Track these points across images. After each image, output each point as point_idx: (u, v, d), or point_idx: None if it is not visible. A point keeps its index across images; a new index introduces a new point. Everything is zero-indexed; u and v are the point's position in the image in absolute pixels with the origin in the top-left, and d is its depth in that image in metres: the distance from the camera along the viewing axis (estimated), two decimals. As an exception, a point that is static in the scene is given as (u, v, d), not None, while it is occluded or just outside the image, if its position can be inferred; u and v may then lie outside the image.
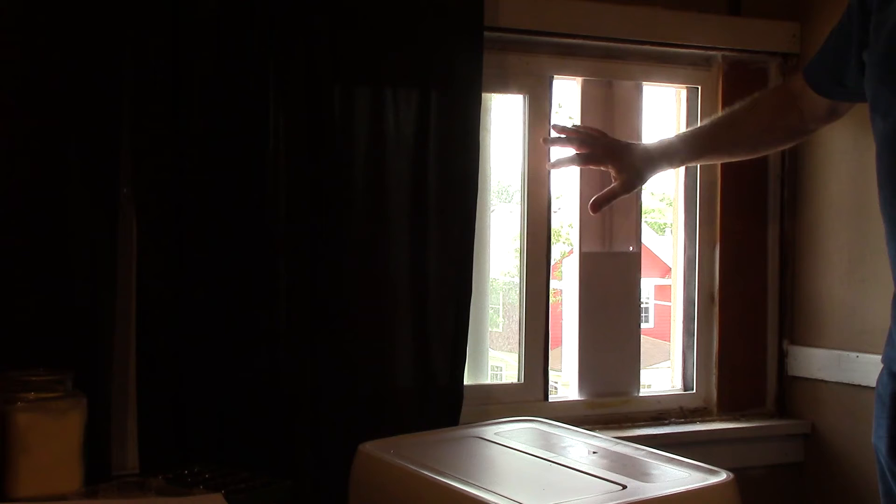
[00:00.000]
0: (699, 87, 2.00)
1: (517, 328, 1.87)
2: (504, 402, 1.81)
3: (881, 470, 1.30)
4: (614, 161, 1.72)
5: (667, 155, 1.72)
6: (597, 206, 1.75)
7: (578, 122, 1.90)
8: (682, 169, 2.01)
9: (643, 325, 1.98)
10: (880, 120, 1.29)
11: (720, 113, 1.72)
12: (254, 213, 1.54)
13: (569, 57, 1.88)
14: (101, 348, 1.47)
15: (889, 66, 1.27)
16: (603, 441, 1.49)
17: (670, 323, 2.06)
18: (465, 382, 1.70)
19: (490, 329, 1.86)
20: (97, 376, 1.45)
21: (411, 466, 1.31)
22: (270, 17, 1.53)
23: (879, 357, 1.33)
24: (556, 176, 1.87)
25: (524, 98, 1.85)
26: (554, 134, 1.81)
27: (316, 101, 1.57)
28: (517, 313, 1.87)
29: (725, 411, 2.00)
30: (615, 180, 1.73)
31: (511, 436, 1.50)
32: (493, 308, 1.94)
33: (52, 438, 1.29)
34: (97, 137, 1.46)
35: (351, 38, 1.60)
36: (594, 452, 1.42)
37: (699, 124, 1.71)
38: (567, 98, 1.96)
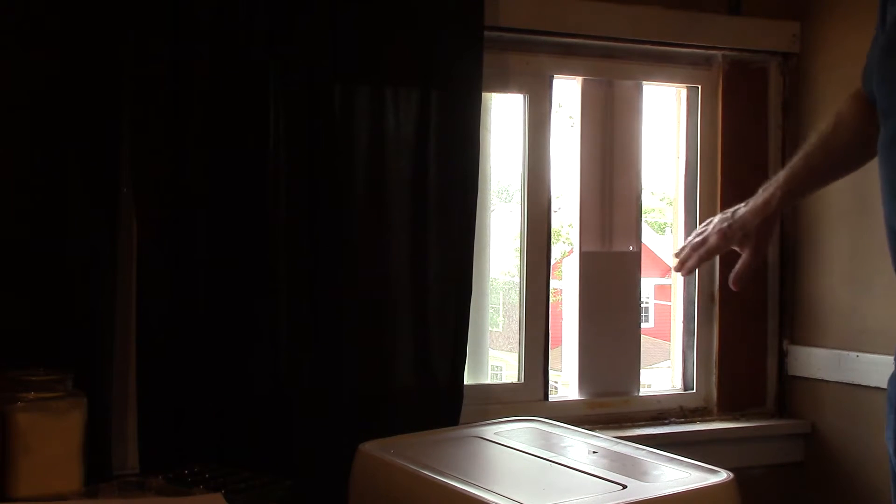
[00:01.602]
0: (699, 87, 2.00)
1: (517, 328, 1.87)
2: (504, 402, 1.81)
3: (893, 470, 1.29)
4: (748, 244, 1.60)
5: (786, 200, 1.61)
6: (739, 283, 1.59)
7: (579, 126, 1.90)
8: (682, 168, 2.02)
9: (643, 325, 1.98)
10: (883, 119, 1.28)
11: (811, 140, 1.60)
12: (253, 212, 1.54)
13: (569, 56, 1.88)
14: (101, 348, 1.47)
15: (889, 65, 1.26)
16: (603, 441, 1.48)
17: (670, 322, 2.06)
18: (466, 382, 1.71)
19: (490, 329, 1.86)
20: (97, 376, 1.45)
21: (411, 466, 1.31)
22: (270, 16, 1.53)
23: (879, 357, 1.33)
24: (555, 175, 1.87)
25: (524, 97, 1.85)
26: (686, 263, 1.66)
27: (316, 100, 1.57)
28: (517, 313, 1.87)
29: (725, 411, 1.99)
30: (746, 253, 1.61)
31: (511, 435, 1.50)
32: (493, 308, 1.94)
33: (53, 438, 1.28)
34: (97, 137, 1.46)
35: (351, 38, 1.60)
36: (594, 452, 1.42)
37: (792, 162, 1.60)
38: (567, 97, 1.96)
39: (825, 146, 1.58)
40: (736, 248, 1.61)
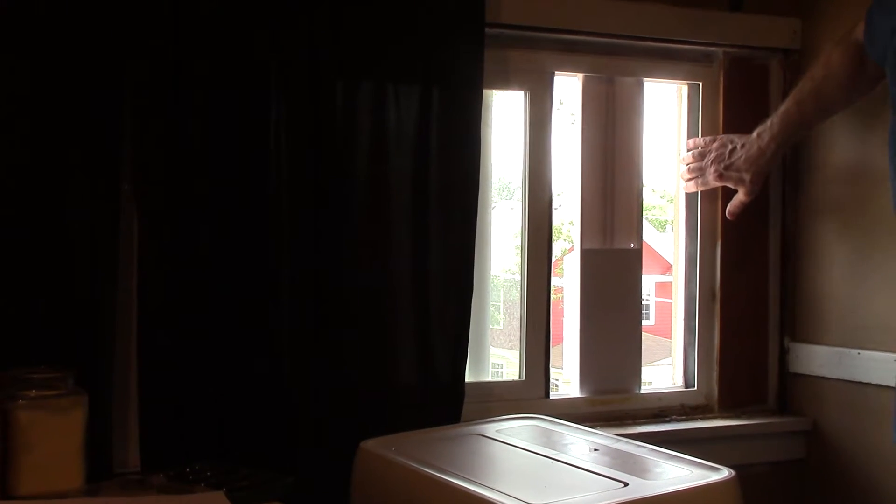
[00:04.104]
0: (700, 84, 2.00)
1: (518, 325, 1.87)
2: (505, 400, 1.81)
3: None
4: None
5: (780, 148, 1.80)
6: (734, 216, 1.88)
7: (580, 123, 1.91)
8: (682, 165, 2.00)
9: (644, 322, 1.98)
10: (894, 108, 1.30)
11: (803, 86, 1.76)
12: (255, 209, 1.54)
13: (570, 53, 1.88)
14: (102, 345, 1.46)
15: None
16: (604, 438, 1.49)
17: (671, 320, 2.06)
18: (467, 380, 1.71)
19: (491, 326, 1.86)
20: (98, 373, 1.45)
21: (413, 464, 1.32)
22: (272, 11, 1.54)
23: (881, 354, 1.34)
24: (556, 173, 1.87)
25: (525, 94, 1.85)
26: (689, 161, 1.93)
27: (318, 96, 1.57)
28: (518, 310, 1.87)
29: (727, 408, 1.99)
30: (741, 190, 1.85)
31: (512, 433, 1.50)
32: (494, 305, 1.94)
33: (54, 436, 1.29)
34: (98, 134, 1.45)
35: (353, 34, 1.60)
36: (595, 450, 1.42)
37: (785, 107, 1.77)
38: (568, 94, 1.96)
39: (817, 94, 1.72)
40: (730, 186, 1.86)
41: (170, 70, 1.48)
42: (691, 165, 1.92)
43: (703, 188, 1.93)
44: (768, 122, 1.79)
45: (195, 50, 1.49)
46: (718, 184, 1.89)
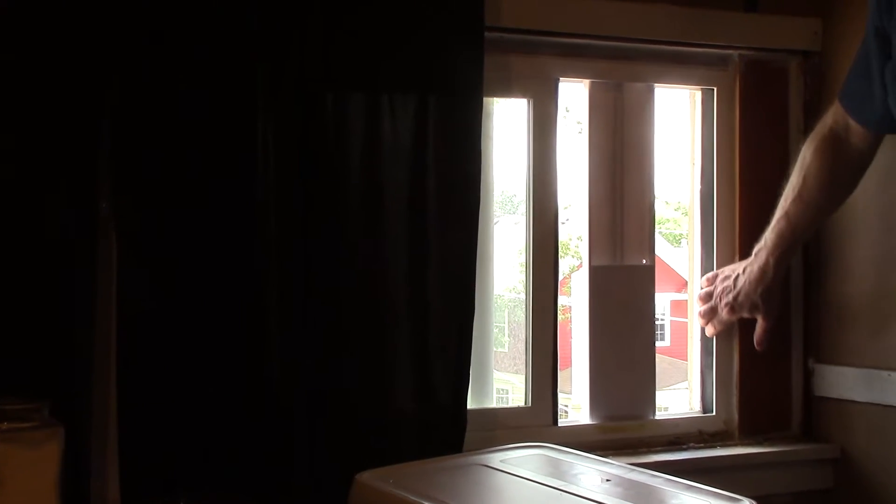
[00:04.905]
0: (715, 89, 2.01)
1: (524, 348, 1.88)
2: (510, 427, 1.81)
3: None
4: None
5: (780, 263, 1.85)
6: (762, 345, 1.91)
7: (587, 131, 1.92)
8: (697, 175, 2.03)
9: (658, 344, 1.98)
10: None
11: (786, 197, 1.80)
12: (241, 228, 1.55)
13: (575, 58, 1.89)
14: (79, 373, 1.47)
15: None
16: (617, 468, 1.49)
17: (687, 341, 2.06)
18: (469, 406, 1.71)
19: (495, 349, 1.87)
20: (75, 404, 1.45)
21: (412, 497, 1.32)
22: (259, 18, 1.55)
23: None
24: (563, 185, 1.88)
25: (528, 102, 1.86)
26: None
27: (306, 107, 1.58)
28: (523, 332, 1.88)
29: (748, 435, 2.00)
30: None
31: (518, 463, 1.50)
32: (497, 327, 1.95)
33: (27, 471, 1.28)
34: (75, 150, 1.47)
35: (344, 41, 1.61)
36: (607, 480, 1.42)
37: (774, 223, 1.82)
38: (574, 101, 1.98)
39: (802, 202, 1.78)
40: (747, 317, 1.89)
41: (150, 77, 1.50)
42: (702, 310, 1.95)
43: (721, 328, 1.95)
44: (763, 240, 1.84)
45: (179, 55, 1.51)
46: (734, 318, 1.91)
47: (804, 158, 1.77)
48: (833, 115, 1.74)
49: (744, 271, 1.87)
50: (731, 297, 1.88)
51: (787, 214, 1.79)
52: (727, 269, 1.92)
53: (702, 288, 1.97)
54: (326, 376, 1.60)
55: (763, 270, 1.84)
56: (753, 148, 2.00)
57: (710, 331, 1.97)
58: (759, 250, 1.85)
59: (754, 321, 1.96)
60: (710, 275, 1.96)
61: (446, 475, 1.45)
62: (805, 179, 1.76)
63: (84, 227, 1.48)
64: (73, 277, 1.47)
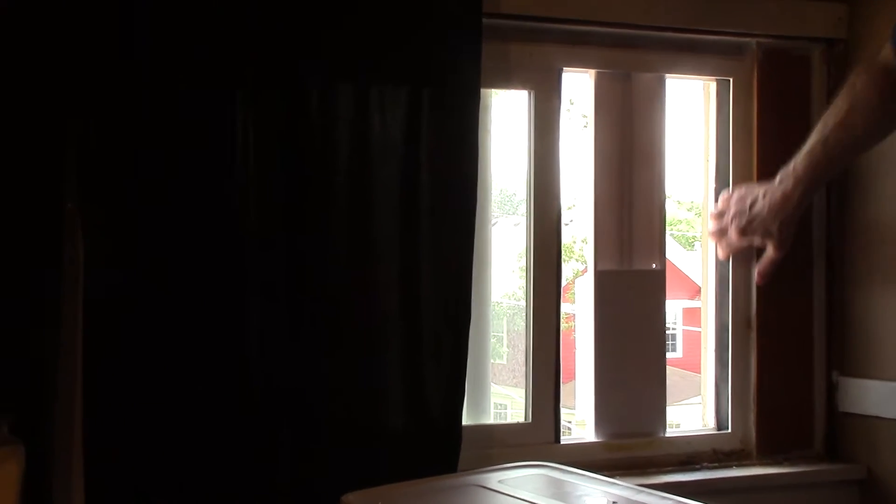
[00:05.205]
0: (730, 80, 2.00)
1: (523, 359, 1.87)
2: (509, 445, 1.81)
3: None
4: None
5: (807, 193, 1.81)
6: (764, 278, 1.89)
7: (592, 126, 1.91)
8: (711, 173, 2.02)
9: (669, 355, 1.97)
10: None
11: (826, 123, 1.76)
12: (219, 230, 1.54)
13: (580, 46, 1.89)
14: (42, 387, 1.47)
15: None
16: (624, 490, 1.48)
17: (700, 352, 2.05)
18: (464, 422, 1.71)
19: (492, 361, 1.87)
20: (37, 420, 1.45)
21: (401, 522, 1.31)
22: (236, 7, 1.54)
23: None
24: (566, 183, 1.88)
25: (529, 94, 1.86)
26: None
27: (290, 100, 1.58)
28: (523, 342, 1.87)
29: (766, 454, 1.98)
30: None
31: (517, 484, 1.49)
32: (495, 336, 1.95)
33: (-15, 491, 1.29)
34: (38, 146, 1.47)
35: (328, 28, 1.60)
36: (614, 502, 1.41)
37: (809, 148, 1.77)
38: (579, 93, 1.96)
39: (845, 129, 1.72)
40: (758, 244, 1.85)
41: (122, 66, 1.50)
42: (713, 229, 1.94)
43: (730, 252, 1.93)
44: (791, 165, 1.81)
45: (152, 43, 1.51)
46: (744, 243, 1.89)
47: (853, 85, 1.73)
48: (885, 53, 1.68)
49: (763, 196, 1.83)
50: (743, 219, 1.86)
51: (825, 140, 1.74)
52: (744, 190, 1.89)
53: (716, 206, 1.94)
54: (314, 390, 1.59)
55: (786, 198, 1.79)
56: (772, 143, 1.98)
57: (721, 253, 1.95)
58: (784, 176, 1.80)
59: (773, 330, 1.96)
60: (725, 194, 1.93)
61: (439, 497, 1.45)
62: (853, 105, 1.71)
63: (47, 225, 1.48)
64: (36, 281, 1.47)
